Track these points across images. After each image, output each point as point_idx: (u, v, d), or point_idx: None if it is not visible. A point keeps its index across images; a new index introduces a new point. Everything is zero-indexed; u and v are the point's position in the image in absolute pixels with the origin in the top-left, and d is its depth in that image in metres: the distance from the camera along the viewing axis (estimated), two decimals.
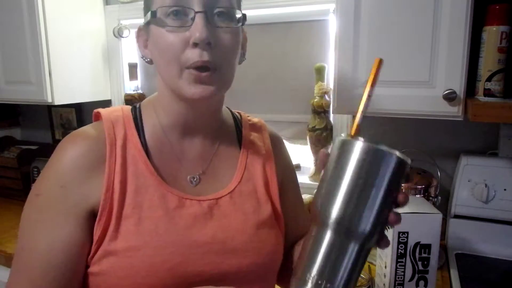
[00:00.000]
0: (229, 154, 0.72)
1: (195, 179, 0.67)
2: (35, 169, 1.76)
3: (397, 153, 0.47)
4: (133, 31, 1.81)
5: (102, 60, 1.83)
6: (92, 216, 0.61)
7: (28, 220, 0.62)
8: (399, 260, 0.93)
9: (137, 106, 0.71)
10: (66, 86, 1.64)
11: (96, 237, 0.60)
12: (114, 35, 1.77)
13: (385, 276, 0.98)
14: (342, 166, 0.48)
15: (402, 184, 0.64)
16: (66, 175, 0.60)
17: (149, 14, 0.62)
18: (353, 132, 0.52)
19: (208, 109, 0.68)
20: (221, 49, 0.59)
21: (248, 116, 0.80)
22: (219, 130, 0.72)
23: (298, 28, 1.53)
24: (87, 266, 0.61)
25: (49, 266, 0.58)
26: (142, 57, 0.67)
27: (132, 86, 1.85)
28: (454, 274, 1.08)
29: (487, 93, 0.98)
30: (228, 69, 0.62)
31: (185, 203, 0.64)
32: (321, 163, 0.51)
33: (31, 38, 1.54)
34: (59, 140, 2.11)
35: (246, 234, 0.66)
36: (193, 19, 0.57)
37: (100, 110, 0.68)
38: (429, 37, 0.98)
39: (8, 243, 1.42)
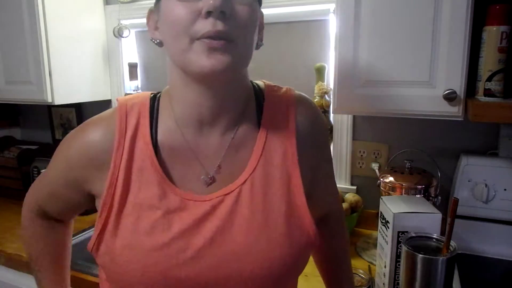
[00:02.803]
0: (247, 139, 0.64)
1: (210, 178, 0.62)
2: (35, 169, 1.76)
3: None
4: (133, 31, 1.81)
5: (102, 60, 1.83)
6: (90, 194, 0.67)
7: (55, 152, 0.70)
8: (398, 259, 0.93)
9: (158, 95, 0.67)
10: (66, 86, 1.64)
11: (97, 230, 0.61)
12: (114, 35, 1.77)
13: (384, 275, 0.98)
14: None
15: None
16: (72, 162, 0.65)
17: None
18: (444, 251, 0.79)
19: (225, 95, 0.60)
20: (237, 20, 0.54)
21: (274, 87, 0.69)
22: (240, 116, 0.64)
23: (298, 28, 1.52)
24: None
25: (51, 195, 0.73)
26: (151, 39, 0.62)
27: (132, 86, 1.85)
28: (454, 274, 1.08)
29: (488, 93, 0.98)
30: (244, 42, 0.56)
31: (188, 205, 0.60)
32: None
33: (31, 38, 1.54)
34: (59, 140, 2.11)
35: (251, 235, 0.59)
36: None
37: (119, 97, 0.67)
38: (429, 37, 0.98)
39: (8, 243, 1.41)
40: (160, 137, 0.63)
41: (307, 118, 0.67)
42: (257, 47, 0.62)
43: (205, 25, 0.52)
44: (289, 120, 0.65)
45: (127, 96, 0.67)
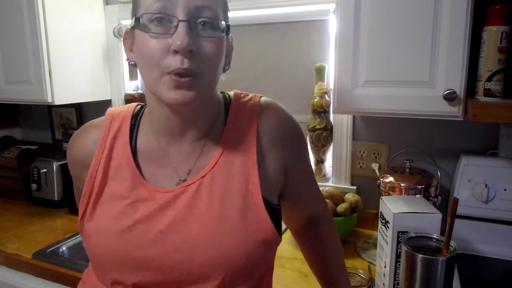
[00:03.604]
0: (214, 146, 0.70)
1: (183, 181, 0.68)
2: (35, 169, 1.75)
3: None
4: None
5: (102, 60, 1.83)
6: None
7: None
8: (398, 259, 0.93)
9: (145, 105, 0.75)
10: (66, 86, 1.64)
11: (79, 215, 0.71)
12: (114, 35, 1.77)
13: (384, 275, 0.98)
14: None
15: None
16: (71, 164, 0.76)
17: (134, 19, 0.63)
18: (444, 251, 0.78)
19: (192, 114, 0.68)
20: (203, 57, 0.61)
21: (241, 95, 0.75)
22: (209, 129, 0.71)
23: (298, 28, 1.53)
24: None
25: (77, 194, 0.79)
26: (127, 60, 0.69)
27: (132, 86, 1.85)
28: (454, 274, 1.08)
29: (487, 93, 0.98)
30: (210, 76, 0.63)
31: (155, 196, 0.67)
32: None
33: (31, 38, 1.55)
34: (59, 140, 2.12)
35: (206, 226, 0.64)
36: (176, 27, 0.59)
37: (110, 108, 0.76)
38: (429, 37, 0.98)
39: (8, 243, 1.41)
40: (138, 142, 0.72)
41: (270, 121, 0.72)
42: (224, 71, 0.69)
43: (174, 62, 0.59)
44: (251, 125, 0.71)
45: (119, 107, 0.77)
